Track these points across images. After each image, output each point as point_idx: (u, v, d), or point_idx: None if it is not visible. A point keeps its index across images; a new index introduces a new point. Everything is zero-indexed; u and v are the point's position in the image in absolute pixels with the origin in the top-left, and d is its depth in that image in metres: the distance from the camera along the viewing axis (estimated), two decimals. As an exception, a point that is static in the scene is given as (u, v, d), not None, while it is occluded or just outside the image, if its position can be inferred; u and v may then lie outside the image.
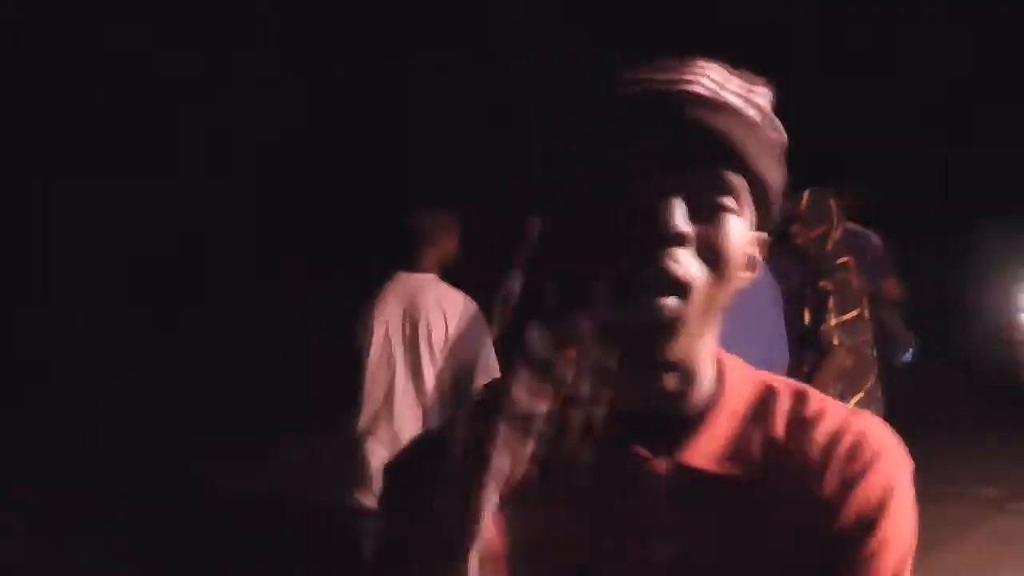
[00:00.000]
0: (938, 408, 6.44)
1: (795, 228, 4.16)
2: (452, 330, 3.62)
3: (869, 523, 0.92)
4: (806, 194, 4.20)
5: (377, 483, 3.63)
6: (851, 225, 4.79)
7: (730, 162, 0.90)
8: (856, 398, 4.00)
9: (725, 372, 0.99)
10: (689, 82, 0.91)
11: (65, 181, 10.89)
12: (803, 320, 4.12)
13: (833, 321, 3.97)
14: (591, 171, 0.92)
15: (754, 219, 0.94)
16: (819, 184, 4.25)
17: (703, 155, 0.90)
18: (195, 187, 11.36)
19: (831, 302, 4.03)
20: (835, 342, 3.93)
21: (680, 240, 0.88)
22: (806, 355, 4.06)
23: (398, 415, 3.66)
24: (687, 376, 0.94)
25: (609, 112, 0.92)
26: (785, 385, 1.01)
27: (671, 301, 0.87)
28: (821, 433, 0.95)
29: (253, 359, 8.53)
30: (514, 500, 0.87)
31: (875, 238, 5.52)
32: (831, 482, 0.93)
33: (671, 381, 0.94)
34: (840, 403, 1.01)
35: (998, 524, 5.25)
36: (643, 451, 0.93)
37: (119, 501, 5.86)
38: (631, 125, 0.90)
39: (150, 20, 11.32)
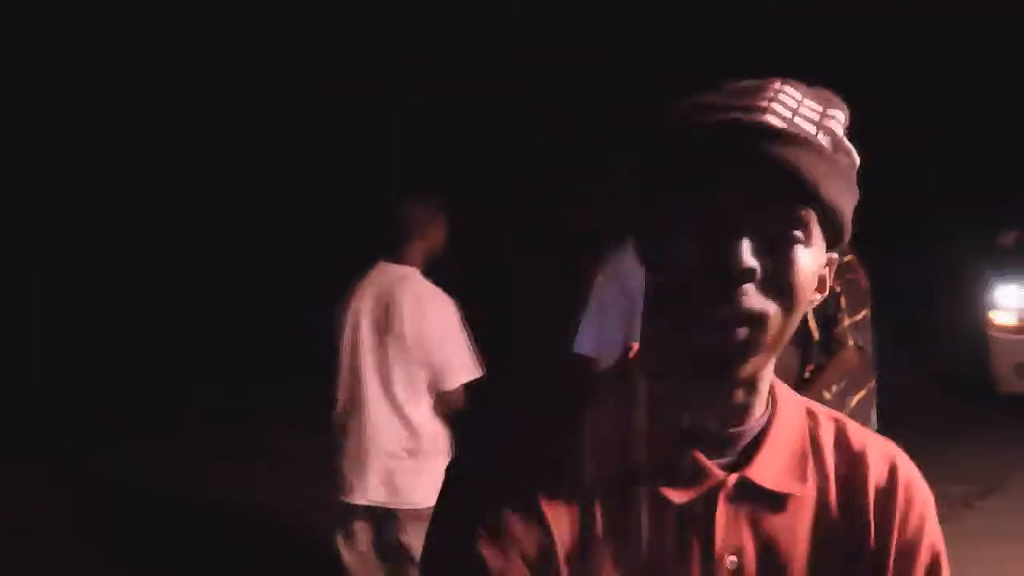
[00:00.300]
0: (907, 405, 6.50)
1: None
2: (427, 327, 3.55)
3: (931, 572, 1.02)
4: None
5: (345, 478, 3.64)
6: None
7: (800, 194, 0.90)
8: (859, 396, 3.95)
9: (776, 391, 1.02)
10: (762, 112, 0.90)
11: (55, 181, 10.88)
12: (806, 318, 3.97)
13: (847, 322, 3.87)
14: (664, 203, 0.93)
15: (823, 243, 0.95)
16: None
17: (773, 189, 0.90)
18: (193, 186, 11.36)
19: (843, 302, 3.92)
20: (850, 343, 3.85)
21: (747, 277, 0.89)
22: (810, 355, 3.96)
23: (366, 410, 3.62)
24: (752, 390, 0.97)
25: (681, 147, 0.93)
26: (820, 410, 1.06)
27: (743, 331, 0.91)
28: (873, 472, 1.02)
29: (252, 358, 8.55)
30: (595, 499, 0.93)
31: None
32: (892, 530, 1.00)
33: (739, 395, 0.97)
34: (870, 431, 1.08)
35: (967, 521, 5.33)
36: (713, 466, 0.96)
37: (117, 500, 5.87)
38: (702, 160, 0.91)
39: (144, 21, 11.28)
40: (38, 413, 7.39)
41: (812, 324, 4.03)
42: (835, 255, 0.99)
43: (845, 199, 0.94)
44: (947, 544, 1.07)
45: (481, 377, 3.65)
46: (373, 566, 3.75)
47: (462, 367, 3.59)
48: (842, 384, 3.87)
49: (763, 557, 0.97)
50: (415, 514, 3.59)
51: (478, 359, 3.64)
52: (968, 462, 6.28)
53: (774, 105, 0.91)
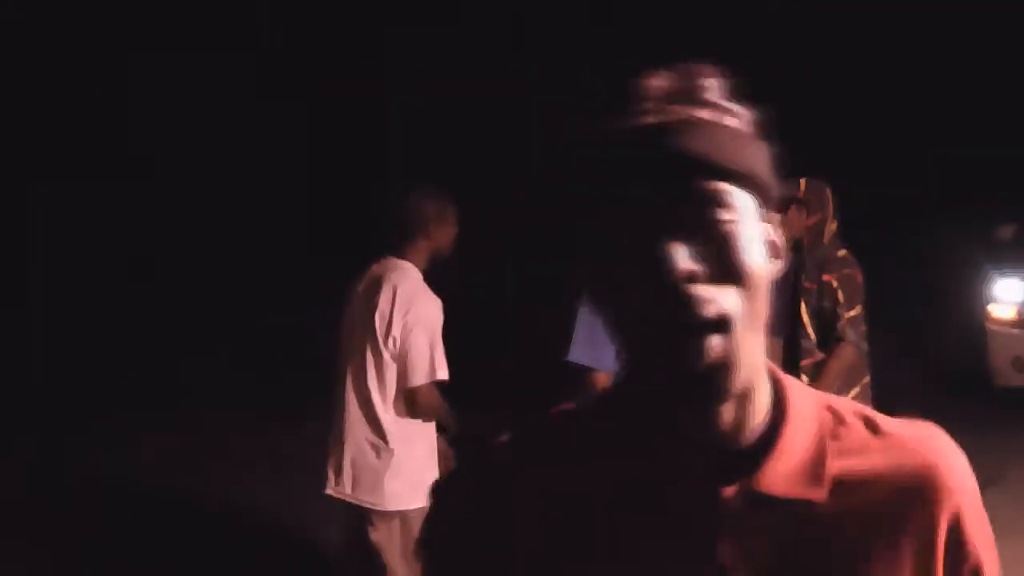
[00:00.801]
0: (904, 397, 6.50)
1: (791, 213, 3.97)
2: (399, 320, 3.50)
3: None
4: (803, 181, 4.04)
5: (325, 469, 3.60)
6: None
7: (711, 174, 0.86)
8: (853, 392, 3.90)
9: (787, 394, 0.96)
10: (641, 113, 0.87)
11: (55, 181, 10.89)
12: (799, 312, 3.96)
13: (844, 317, 3.82)
14: (585, 222, 0.89)
15: (756, 209, 0.90)
16: (813, 173, 4.08)
17: (679, 179, 0.86)
18: (193, 186, 11.36)
19: (840, 297, 3.87)
20: (847, 339, 3.80)
21: (691, 278, 0.84)
22: (804, 350, 3.92)
23: (345, 401, 3.59)
24: (742, 402, 0.91)
25: (577, 168, 0.89)
26: (846, 407, 1.00)
27: (713, 340, 0.85)
28: (907, 468, 0.97)
29: (252, 358, 8.54)
30: (588, 530, 0.91)
31: None
32: (935, 532, 0.95)
33: (728, 411, 0.91)
34: (910, 422, 1.02)
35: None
36: (707, 480, 0.91)
37: (117, 500, 5.85)
38: (601, 175, 0.87)
39: (144, 20, 11.29)
40: (38, 413, 7.38)
41: (805, 319, 3.98)
42: (775, 214, 0.93)
43: (753, 158, 0.90)
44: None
45: (446, 381, 3.57)
46: (360, 562, 3.71)
47: (424, 367, 3.51)
48: (838, 382, 3.85)
49: (776, 568, 0.91)
50: (384, 515, 3.56)
51: (446, 364, 3.56)
52: (964, 455, 6.27)
53: (647, 101, 0.88)
